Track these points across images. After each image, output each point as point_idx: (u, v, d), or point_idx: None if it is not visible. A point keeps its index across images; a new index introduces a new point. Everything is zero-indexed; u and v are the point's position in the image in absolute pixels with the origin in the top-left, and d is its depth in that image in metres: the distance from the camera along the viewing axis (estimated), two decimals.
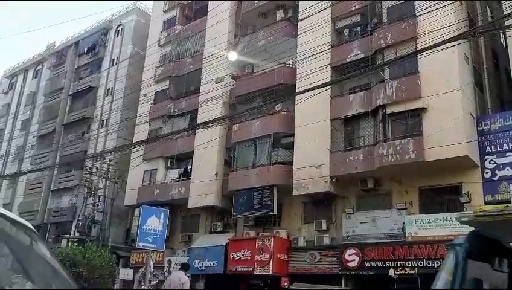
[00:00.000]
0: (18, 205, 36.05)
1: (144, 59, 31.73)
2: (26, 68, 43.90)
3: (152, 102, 29.48)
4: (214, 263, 22.23)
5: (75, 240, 27.26)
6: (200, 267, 22.69)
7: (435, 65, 17.09)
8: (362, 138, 20.12)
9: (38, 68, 42.72)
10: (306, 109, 20.27)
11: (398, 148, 17.92)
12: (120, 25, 35.83)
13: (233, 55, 24.40)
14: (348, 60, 20.55)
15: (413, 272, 17.13)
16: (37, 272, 1.92)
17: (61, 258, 19.11)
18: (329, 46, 20.40)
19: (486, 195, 17.15)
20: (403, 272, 17.28)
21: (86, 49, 37.24)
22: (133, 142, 26.06)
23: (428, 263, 16.83)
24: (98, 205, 28.12)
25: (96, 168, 28.26)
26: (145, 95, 29.73)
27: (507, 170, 17.06)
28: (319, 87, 10.53)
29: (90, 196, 28.36)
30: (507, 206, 14.88)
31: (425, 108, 17.77)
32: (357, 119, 20.45)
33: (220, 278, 22.15)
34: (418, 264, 17.07)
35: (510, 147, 17.25)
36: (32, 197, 35.30)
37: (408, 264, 17.25)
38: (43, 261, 1.96)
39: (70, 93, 37.04)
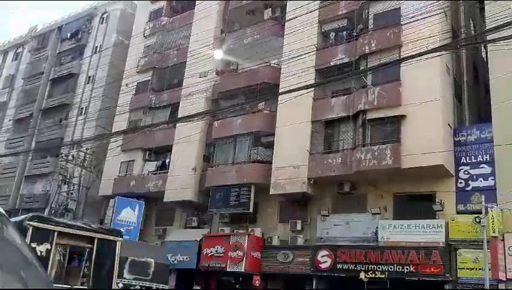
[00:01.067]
0: None
1: (127, 49, 31.36)
2: (6, 50, 42.88)
3: (133, 93, 29.16)
4: (186, 258, 22.15)
5: None
6: (173, 261, 22.54)
7: (416, 74, 17.35)
8: (341, 141, 20.30)
9: (18, 51, 41.75)
10: (288, 110, 20.34)
11: (376, 153, 18.14)
12: (105, 12, 35.30)
13: (218, 54, 24.32)
14: (332, 64, 20.69)
15: (383, 276, 17.38)
16: (6, 260, 1.88)
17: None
18: (315, 49, 20.53)
19: (459, 204, 17.52)
20: (374, 275, 17.52)
21: (69, 35, 36.54)
22: (112, 131, 25.75)
23: (399, 268, 17.11)
24: (72, 194, 27.71)
25: (73, 156, 27.82)
26: (126, 85, 29.37)
27: (480, 181, 17.44)
28: (302, 88, 10.58)
29: (64, 183, 27.92)
30: (477, 216, 15.20)
31: (405, 115, 18.02)
32: (337, 123, 20.61)
33: (191, 274, 22.08)
34: (388, 269, 17.33)
35: (484, 159, 17.63)
36: (5, 181, 34.55)
37: (379, 268, 17.49)
38: (14, 248, 1.92)
39: (50, 78, 36.34)
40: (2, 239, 1.90)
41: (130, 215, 9.99)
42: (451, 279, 16.34)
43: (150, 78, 28.96)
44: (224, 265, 20.57)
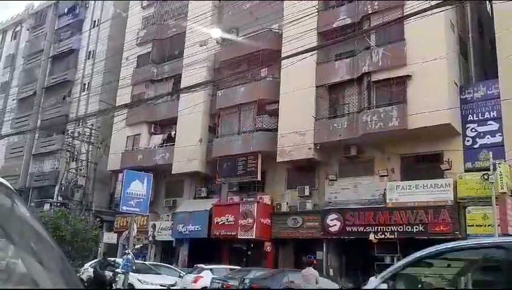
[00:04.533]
0: None
1: (125, 21, 30.92)
2: (5, 29, 42.44)
3: (135, 66, 28.93)
4: (198, 228, 22.46)
5: (58, 204, 27.16)
6: (184, 231, 22.92)
7: (420, 32, 17.02)
8: (347, 105, 20.16)
9: (16, 29, 41.31)
10: (291, 76, 20.13)
11: (382, 115, 18.02)
12: None
13: (216, 32, 23.93)
14: (334, 26, 20.31)
15: (392, 236, 17.56)
16: (19, 235, 1.88)
17: (44, 222, 19.06)
18: (316, 11, 20.11)
19: (467, 163, 17.50)
20: (383, 236, 17.71)
21: (66, 10, 36.02)
22: (116, 106, 25.69)
23: (408, 228, 17.27)
24: (80, 170, 27.92)
25: (78, 132, 27.91)
26: (127, 58, 29.12)
27: (487, 138, 17.35)
28: (304, 52, 10.42)
29: (72, 160, 28.11)
30: (486, 173, 15.13)
31: (410, 76, 17.80)
32: (342, 87, 20.42)
33: (203, 242, 22.43)
34: (397, 229, 17.49)
35: (491, 116, 17.49)
36: (14, 161, 34.84)
37: (388, 229, 17.66)
38: (25, 223, 1.92)
39: (50, 55, 36.05)
40: (14, 216, 1.90)
41: (139, 187, 10.12)
42: (460, 236, 16.46)
43: (150, 49, 28.66)
44: (235, 233, 20.85)
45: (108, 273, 15.36)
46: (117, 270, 15.33)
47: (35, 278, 1.75)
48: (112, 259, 17.45)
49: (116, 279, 15.48)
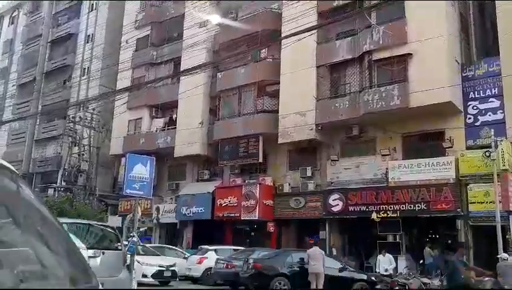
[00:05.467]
0: (2, 155, 35.70)
1: (124, 4, 30.61)
2: (2, 14, 42.11)
3: (134, 49, 28.76)
4: (201, 210, 22.63)
5: (62, 189, 27.32)
6: (188, 213, 23.11)
7: (421, 10, 16.85)
8: (348, 84, 20.07)
9: (14, 14, 40.99)
10: (292, 56, 20.01)
11: (384, 94, 17.96)
12: None
13: (215, 18, 23.68)
14: (334, 4, 20.09)
15: (395, 215, 17.68)
16: (25, 218, 1.91)
17: (49, 206, 19.18)
18: None
19: (468, 140, 17.49)
20: (385, 215, 17.82)
21: None
22: (116, 90, 25.62)
23: (410, 207, 17.37)
24: (83, 155, 27.99)
25: (80, 117, 27.90)
26: (126, 42, 28.93)
27: (489, 115, 17.31)
28: (304, 31, 10.34)
29: (74, 145, 28.16)
30: (487, 150, 15.19)
31: (411, 54, 17.68)
32: (343, 66, 20.29)
33: (207, 224, 22.63)
34: (400, 208, 17.59)
35: (493, 93, 17.41)
36: (16, 147, 34.93)
37: (390, 208, 17.76)
38: (31, 207, 1.95)
39: (49, 40, 35.82)
40: (19, 199, 1.92)
41: (142, 171, 10.13)
42: (462, 214, 16.59)
43: (149, 32, 28.45)
44: (238, 214, 21.01)
45: None
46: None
47: (43, 260, 1.78)
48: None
49: None
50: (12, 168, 1.93)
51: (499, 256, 11.66)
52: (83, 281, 1.88)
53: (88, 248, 8.43)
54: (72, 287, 1.77)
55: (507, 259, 10.99)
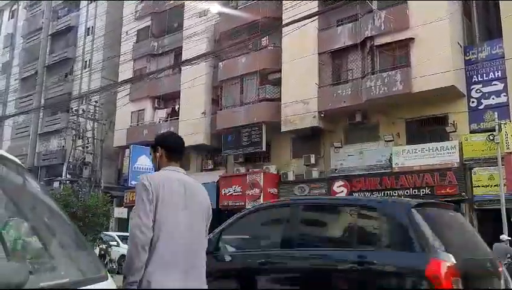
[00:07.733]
0: (6, 149, 35.83)
1: None
2: (2, 8, 41.97)
3: (135, 41, 28.69)
4: None
5: (67, 182, 27.43)
6: None
7: None
8: (350, 71, 19.98)
9: (13, 8, 40.87)
10: (293, 44, 19.91)
11: (386, 80, 17.89)
12: None
13: (215, 7, 23.51)
14: None
15: None
16: (32, 210, 1.93)
17: (55, 199, 19.34)
18: None
19: (472, 124, 17.44)
20: None
21: None
22: (118, 82, 25.61)
23: (414, 192, 17.38)
24: (87, 147, 28.06)
25: (83, 110, 27.93)
26: (126, 33, 28.86)
27: (492, 98, 17.22)
28: (306, 18, 10.29)
29: (78, 138, 28.22)
30: (491, 134, 15.11)
31: (413, 38, 17.57)
32: (345, 52, 20.19)
33: (212, 213, 22.68)
34: (404, 193, 17.58)
35: (496, 76, 17.31)
36: (20, 141, 35.05)
37: (395, 193, 17.77)
38: (37, 199, 1.97)
39: (49, 33, 35.75)
40: (26, 191, 1.94)
41: (146, 162, 10.17)
42: (467, 197, 16.59)
43: (149, 23, 28.35)
44: (243, 203, 21.07)
45: (102, 246, 16.14)
46: (111, 243, 16.79)
47: (52, 251, 1.80)
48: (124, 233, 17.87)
49: (109, 250, 16.90)
50: (18, 161, 1.95)
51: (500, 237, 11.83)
52: (92, 272, 1.91)
53: None
54: (81, 278, 1.80)
55: (505, 240, 11.31)
